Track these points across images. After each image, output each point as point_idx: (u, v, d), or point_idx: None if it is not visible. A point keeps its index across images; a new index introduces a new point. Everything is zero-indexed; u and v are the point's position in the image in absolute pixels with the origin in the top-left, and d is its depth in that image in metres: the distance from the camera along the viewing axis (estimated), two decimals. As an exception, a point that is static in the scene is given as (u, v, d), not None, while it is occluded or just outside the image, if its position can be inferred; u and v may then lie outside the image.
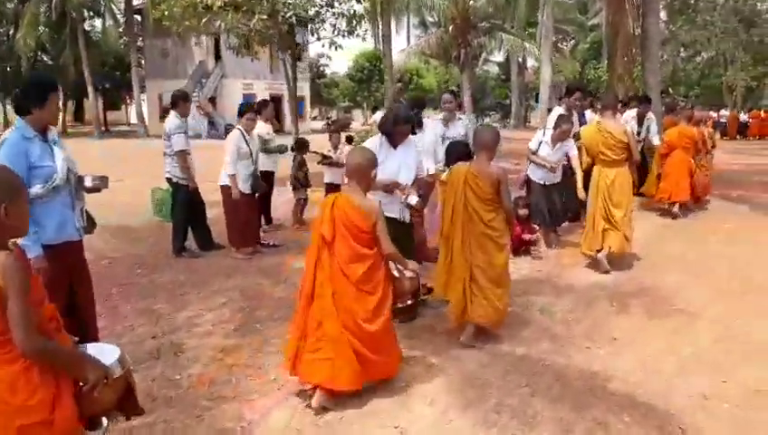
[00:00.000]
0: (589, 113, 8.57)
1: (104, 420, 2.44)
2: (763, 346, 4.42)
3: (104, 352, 2.46)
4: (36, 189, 3.33)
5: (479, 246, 4.45)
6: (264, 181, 7.96)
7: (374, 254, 3.53)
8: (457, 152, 5.54)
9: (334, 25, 13.46)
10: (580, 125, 7.90)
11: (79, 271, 3.74)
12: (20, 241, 2.35)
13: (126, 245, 7.77)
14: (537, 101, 35.53)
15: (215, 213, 7.35)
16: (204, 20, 12.45)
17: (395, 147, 4.71)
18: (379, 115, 7.16)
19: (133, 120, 41.42)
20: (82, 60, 33.75)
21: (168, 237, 7.19)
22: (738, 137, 30.73)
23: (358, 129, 21.00)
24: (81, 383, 2.26)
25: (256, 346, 4.38)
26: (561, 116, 7.37)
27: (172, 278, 6.23)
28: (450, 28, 29.18)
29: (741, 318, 5.01)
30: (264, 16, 12.05)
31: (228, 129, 8.94)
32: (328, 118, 50.92)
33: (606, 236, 6.38)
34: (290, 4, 12.25)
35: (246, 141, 6.85)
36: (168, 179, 6.95)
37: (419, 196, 4.82)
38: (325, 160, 8.68)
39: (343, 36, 13.43)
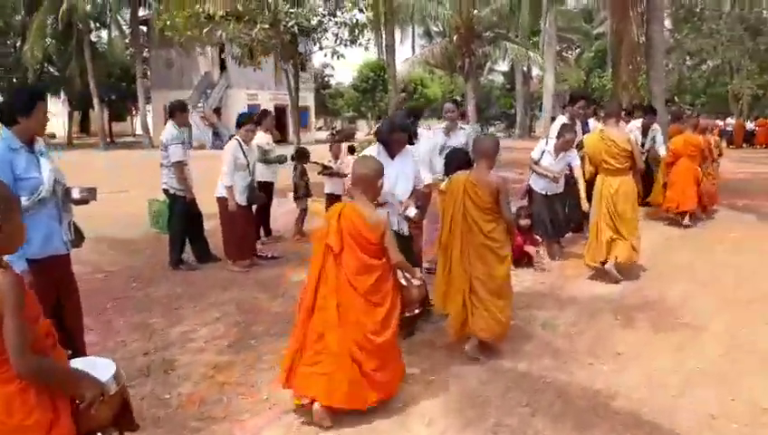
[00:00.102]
0: (592, 122, 8.47)
1: None
2: (771, 358, 4.29)
3: (99, 367, 2.45)
4: (22, 202, 3.23)
5: (479, 257, 4.34)
6: (264, 192, 7.88)
7: (382, 264, 3.46)
8: (458, 160, 5.43)
9: (336, 35, 13.43)
10: (584, 133, 7.79)
11: (66, 285, 3.65)
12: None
13: (123, 257, 7.69)
14: (542, 110, 35.42)
15: (212, 225, 7.26)
16: (206, 30, 12.45)
17: (392, 157, 4.61)
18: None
19: (139, 131, 41.55)
20: (88, 71, 33.92)
21: (166, 249, 7.10)
22: (745, 145, 30.53)
23: (362, 139, 20.95)
24: (77, 401, 2.24)
25: (250, 363, 4.26)
26: (564, 125, 7.25)
27: (168, 291, 6.13)
28: (454, 38, 29.15)
29: (747, 327, 4.91)
30: (266, 26, 12.03)
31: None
32: (333, 128, 50.99)
33: (613, 246, 6.26)
34: (292, 13, 12.21)
35: (244, 152, 6.76)
36: (165, 190, 6.87)
37: (417, 207, 4.71)
38: (326, 171, 8.59)
39: (345, 46, 13.39)
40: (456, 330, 4.45)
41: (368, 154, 4.51)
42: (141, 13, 35.07)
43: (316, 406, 3.39)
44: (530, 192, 7.37)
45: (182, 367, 4.19)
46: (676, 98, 33.78)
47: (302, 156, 8.72)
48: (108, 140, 39.11)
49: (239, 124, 7.05)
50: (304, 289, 3.55)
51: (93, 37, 38.24)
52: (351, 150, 9.89)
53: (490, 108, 49.28)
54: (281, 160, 8.22)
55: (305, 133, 39.17)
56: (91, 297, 5.92)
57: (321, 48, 14.28)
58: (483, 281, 4.34)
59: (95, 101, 35.37)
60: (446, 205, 4.54)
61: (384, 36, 17.27)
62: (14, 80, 37.05)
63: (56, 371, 2.20)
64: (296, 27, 12.36)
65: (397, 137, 4.57)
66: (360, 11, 13.33)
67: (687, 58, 32.60)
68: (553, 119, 8.56)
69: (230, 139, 7.13)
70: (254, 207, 7.39)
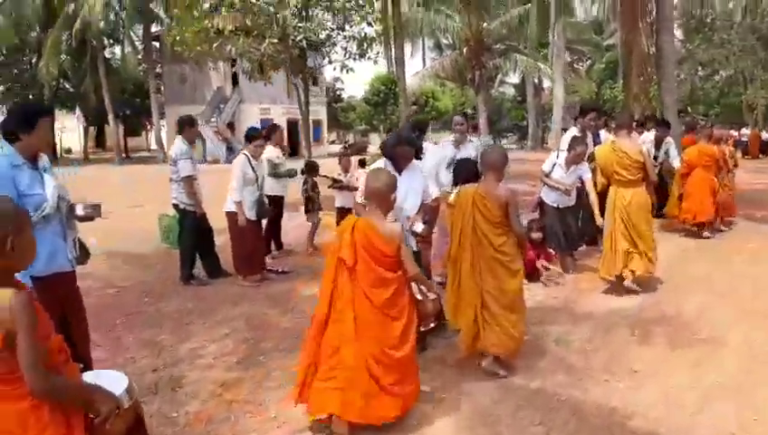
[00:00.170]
0: (603, 133, 8.38)
1: None
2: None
3: (112, 380, 2.47)
4: (27, 219, 3.22)
5: (489, 271, 4.28)
6: (274, 206, 7.87)
7: (398, 277, 3.41)
8: (467, 171, 5.38)
9: (345, 48, 13.47)
10: (595, 145, 7.70)
11: (71, 301, 3.63)
12: None
13: (136, 272, 7.69)
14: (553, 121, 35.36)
15: (222, 239, 7.24)
16: (215, 45, 12.53)
17: (399, 172, 4.56)
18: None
19: (153, 145, 41.93)
20: (102, 87, 34.32)
21: (177, 264, 7.08)
22: (761, 156, 30.18)
23: (374, 152, 20.98)
24: (91, 415, 2.25)
25: (258, 380, 4.21)
26: (574, 138, 7.18)
27: (179, 307, 6.11)
28: (464, 50, 29.19)
29: (767, 340, 4.78)
30: (275, 40, 12.08)
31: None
32: (345, 141, 51.17)
33: (630, 259, 6.16)
34: (300, 27, 12.26)
35: (252, 167, 6.75)
36: (175, 205, 6.86)
37: (425, 222, 4.66)
38: (336, 184, 8.57)
39: (354, 59, 13.43)
40: (468, 345, 4.37)
41: (379, 167, 4.46)
42: (154, 29, 35.50)
43: (335, 418, 3.35)
44: (541, 205, 7.28)
45: (190, 384, 4.14)
46: (689, 108, 33.54)
47: (311, 169, 8.70)
48: (123, 154, 39.45)
49: (248, 138, 7.05)
50: (319, 302, 3.49)
51: (107, 53, 38.79)
52: (362, 164, 9.88)
53: (501, 120, 49.24)
54: (291, 174, 8.21)
55: (318, 147, 39.32)
56: (102, 313, 5.95)
57: (330, 62, 14.33)
58: (494, 295, 4.27)
59: (110, 116, 35.74)
60: (455, 218, 4.48)
61: (393, 50, 17.36)
62: (30, 96, 37.55)
63: (69, 388, 2.23)
64: (305, 42, 12.40)
65: (402, 151, 4.50)
66: (369, 24, 13.37)
67: (699, 68, 32.34)
68: (565, 130, 8.49)
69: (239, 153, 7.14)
70: (263, 222, 7.38)
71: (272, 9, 12.59)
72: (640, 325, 5.23)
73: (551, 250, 6.99)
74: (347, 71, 13.81)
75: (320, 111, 42.55)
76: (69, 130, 48.28)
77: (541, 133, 42.37)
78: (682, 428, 3.51)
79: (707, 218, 9.04)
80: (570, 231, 7.16)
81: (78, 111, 38.66)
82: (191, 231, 6.82)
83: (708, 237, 8.93)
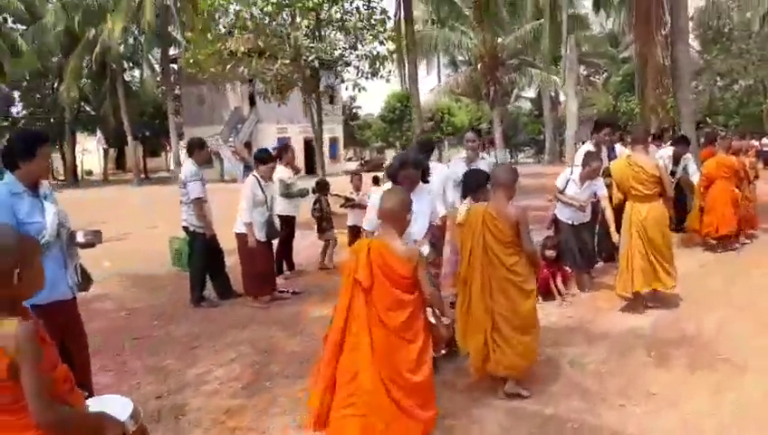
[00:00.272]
0: (618, 147, 8.23)
1: None
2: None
3: (117, 406, 2.48)
4: (27, 247, 3.19)
5: (501, 292, 4.18)
6: (286, 226, 7.84)
7: (414, 299, 3.31)
8: (477, 181, 5.29)
9: (357, 67, 13.50)
10: (610, 160, 7.55)
11: (72, 329, 3.57)
12: None
13: (148, 294, 7.68)
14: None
15: (233, 260, 7.20)
16: (228, 66, 12.65)
17: None
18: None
19: (172, 166, 42.38)
20: (122, 109, 34.88)
21: (189, 286, 7.05)
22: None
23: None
24: None
25: (262, 407, 4.12)
26: (588, 153, 7.06)
27: (188, 330, 6.06)
28: (479, 66, 29.22)
29: None
30: (287, 61, 12.15)
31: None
32: (362, 158, 51.38)
33: (647, 274, 5.99)
34: (312, 47, 12.32)
35: (262, 188, 6.72)
36: (185, 228, 6.85)
37: (432, 244, 4.55)
38: (348, 203, 8.52)
39: (367, 78, 13.44)
40: (478, 369, 4.26)
41: (377, 195, 4.38)
42: (172, 52, 35.99)
43: None
44: (556, 222, 7.14)
45: (193, 412, 4.07)
46: (708, 119, 33.13)
47: (322, 188, 8.67)
48: (142, 175, 39.97)
49: (258, 160, 7.01)
50: (334, 324, 3.38)
51: (127, 76, 39.48)
52: (376, 181, 9.82)
53: (518, 134, 49.06)
54: (303, 194, 8.18)
55: (335, 164, 39.47)
56: (111, 336, 5.94)
57: (342, 81, 14.37)
58: (506, 317, 4.17)
59: (129, 138, 36.24)
60: (465, 238, 4.38)
61: (407, 67, 17.38)
62: (52, 120, 38.30)
63: (75, 417, 2.21)
64: (317, 61, 12.45)
65: (407, 174, 4.34)
66: (381, 43, 13.40)
67: (718, 79, 32.00)
68: (583, 142, 8.33)
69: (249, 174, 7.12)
70: (275, 242, 7.34)
71: (284, 30, 12.69)
72: (658, 346, 5.06)
73: (567, 268, 6.84)
74: (359, 89, 13.84)
75: (336, 129, 42.73)
76: (89, 152, 49.12)
77: (558, 147, 42.08)
78: (702, 456, 3.36)
79: (730, 230, 8.82)
80: (585, 248, 7.01)
81: (98, 133, 39.26)
82: (201, 253, 6.79)
83: (734, 249, 8.73)
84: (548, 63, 32.80)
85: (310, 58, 12.27)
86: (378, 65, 13.37)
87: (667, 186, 6.20)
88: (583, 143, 8.44)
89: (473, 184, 5.32)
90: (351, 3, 13.28)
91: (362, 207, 8.00)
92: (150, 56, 37.39)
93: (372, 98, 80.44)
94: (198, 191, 6.59)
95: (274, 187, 7.33)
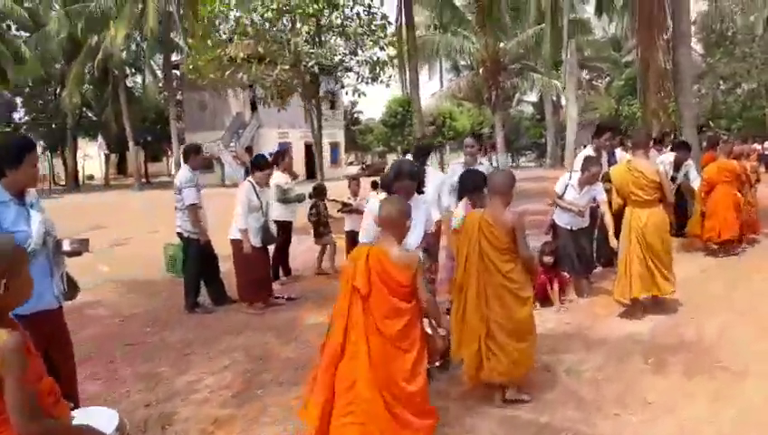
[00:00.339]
0: (619, 151, 8.16)
1: None
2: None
3: (103, 419, 2.44)
4: (12, 256, 3.14)
5: (497, 299, 4.12)
6: (282, 231, 7.80)
7: (412, 308, 3.29)
8: (474, 182, 5.23)
9: (357, 73, 13.47)
10: (610, 165, 7.49)
11: (57, 339, 3.50)
12: None
13: (143, 300, 7.64)
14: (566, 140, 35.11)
15: (227, 266, 7.15)
16: (228, 72, 12.63)
17: None
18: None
19: (173, 171, 42.45)
20: (124, 114, 34.97)
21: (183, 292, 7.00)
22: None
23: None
24: None
25: (253, 416, 4.06)
26: (588, 158, 6.99)
27: (181, 337, 6.01)
28: (481, 71, 29.21)
29: None
30: (287, 66, 12.12)
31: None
32: (363, 162, 51.35)
33: (645, 280, 5.93)
34: (312, 53, 12.29)
35: (257, 194, 6.67)
36: (179, 234, 6.81)
37: (425, 250, 4.49)
38: (345, 208, 8.47)
39: (367, 83, 13.41)
40: (471, 377, 4.20)
41: (372, 205, 4.34)
42: (174, 58, 36.07)
43: None
44: (554, 227, 7.07)
45: (181, 422, 4.01)
46: (711, 123, 33.00)
47: (319, 193, 8.62)
48: (143, 180, 40.02)
49: (255, 166, 6.96)
50: (332, 332, 3.36)
51: (129, 82, 39.59)
52: (375, 186, 9.77)
53: (520, 138, 49.06)
54: (300, 199, 8.14)
55: (336, 169, 39.47)
56: (104, 343, 5.89)
57: (342, 87, 14.35)
58: (501, 324, 4.11)
59: (130, 143, 36.31)
60: (461, 244, 4.33)
61: (408, 72, 17.35)
62: (54, 126, 38.41)
63: (59, 432, 2.20)
64: (316, 67, 12.41)
65: (402, 185, 4.23)
66: (381, 49, 13.36)
67: (721, 82, 31.85)
68: (585, 146, 8.28)
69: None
70: (271, 248, 7.29)
71: (284, 36, 12.67)
72: (656, 352, 4.98)
73: (565, 274, 6.77)
74: (359, 95, 13.80)
75: (337, 134, 42.79)
76: (91, 157, 49.26)
77: (560, 151, 42.03)
78: (699, 467, 3.28)
79: (732, 235, 8.73)
80: (584, 253, 6.94)
81: (100, 138, 39.36)
82: (195, 259, 6.75)
83: (734, 254, 8.66)
84: (549, 68, 32.79)
85: (310, 64, 12.24)
86: (378, 70, 13.32)
87: (668, 191, 6.13)
88: (584, 147, 8.38)
89: (469, 185, 5.27)
90: (352, 9, 13.28)
91: (360, 212, 7.95)
92: (153, 62, 37.52)
93: (374, 102, 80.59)
94: (193, 197, 6.55)
95: (270, 192, 7.29)
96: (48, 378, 2.25)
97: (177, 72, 36.29)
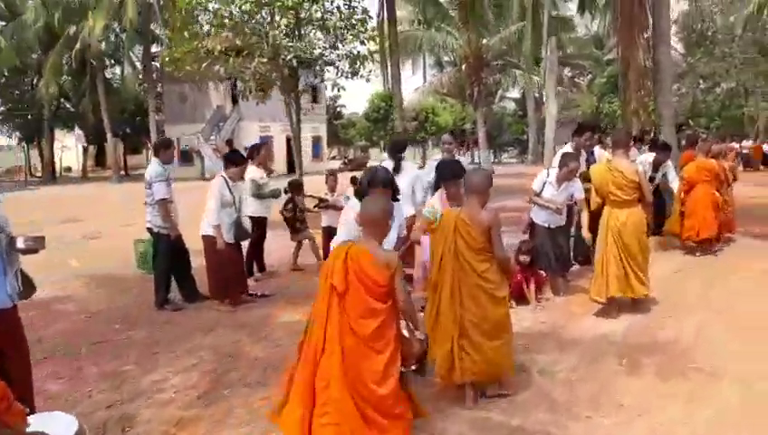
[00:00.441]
0: (597, 150, 8.12)
1: None
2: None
3: (61, 424, 2.38)
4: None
5: (472, 299, 4.05)
6: (257, 227, 7.66)
7: (387, 308, 3.25)
8: (452, 172, 5.15)
9: (337, 67, 13.33)
10: (589, 164, 7.45)
11: (11, 339, 3.36)
12: None
13: (112, 296, 7.46)
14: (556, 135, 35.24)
15: (199, 262, 6.99)
16: (204, 64, 12.42)
17: None
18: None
19: (152, 163, 41.97)
20: (102, 106, 34.43)
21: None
22: (762, 167, 29.88)
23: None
24: None
25: (218, 418, 3.93)
26: (566, 154, 6.93)
27: (150, 334, 5.86)
28: (464, 67, 29.19)
29: (764, 361, 4.57)
30: (265, 60, 11.95)
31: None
32: (345, 157, 51.18)
33: (620, 280, 5.89)
34: (291, 46, 12.11)
35: (230, 189, 6.51)
36: (149, 229, 6.65)
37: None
38: (322, 204, 8.35)
39: (346, 78, 13.27)
40: (443, 377, 4.13)
41: (347, 213, 4.30)
42: (154, 49, 35.59)
43: None
44: (532, 225, 7.01)
45: (142, 423, 3.87)
46: (690, 121, 33.32)
47: (295, 188, 8.48)
48: (122, 172, 39.48)
49: (229, 161, 6.78)
50: (312, 331, 3.30)
51: (108, 73, 38.95)
52: (354, 181, 9.65)
53: (502, 134, 49.17)
54: (275, 195, 7.98)
55: (318, 163, 39.25)
56: (71, 341, 5.73)
57: (322, 81, 14.20)
58: (476, 323, 4.05)
59: (108, 135, 35.77)
60: (436, 243, 4.26)
61: (390, 67, 17.25)
62: (30, 116, 37.74)
63: None
64: (294, 60, 12.24)
65: (374, 193, 4.13)
66: (362, 43, 13.24)
67: (701, 82, 32.18)
68: (566, 143, 8.22)
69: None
70: (245, 243, 7.15)
71: (263, 29, 12.48)
72: (630, 352, 4.93)
73: (541, 272, 6.72)
74: (338, 89, 13.67)
75: (320, 128, 42.55)
76: (68, 148, 48.52)
77: (541, 148, 42.26)
78: (670, 471, 3.23)
79: (711, 234, 8.75)
80: (561, 252, 6.88)
81: (77, 129, 38.75)
82: (165, 255, 6.59)
83: (712, 253, 8.69)
84: (531, 65, 32.87)
85: (288, 57, 12.06)
86: (358, 65, 13.19)
87: (647, 192, 6.10)
88: (565, 145, 8.33)
89: (447, 174, 5.19)
90: (332, 2, 13.14)
91: (337, 208, 7.83)
92: (132, 54, 36.93)
93: (357, 97, 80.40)
94: (163, 192, 6.39)
95: (244, 187, 7.14)
96: (0, 383, 2.16)
97: (157, 64, 35.84)
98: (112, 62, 39.64)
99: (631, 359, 4.79)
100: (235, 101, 35.04)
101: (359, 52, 13.22)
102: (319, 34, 13.16)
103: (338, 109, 50.50)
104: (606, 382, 4.40)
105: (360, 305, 3.20)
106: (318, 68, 13.48)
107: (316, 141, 42.52)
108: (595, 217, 6.61)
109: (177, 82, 33.24)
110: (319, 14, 12.97)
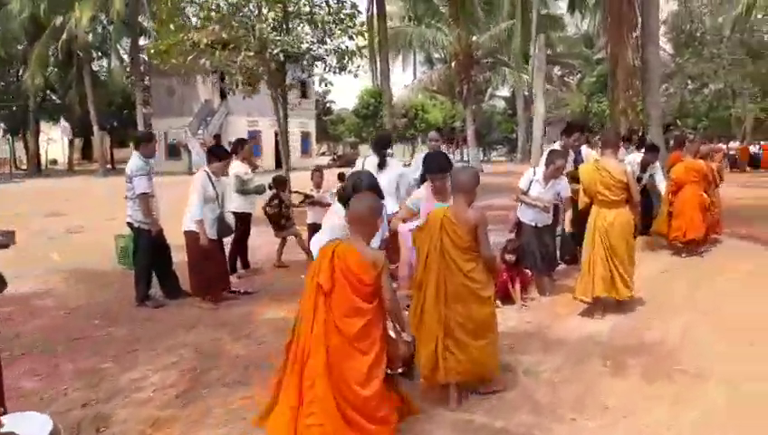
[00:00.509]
0: (584, 149, 8.08)
1: None
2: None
3: (35, 425, 2.34)
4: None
5: (457, 298, 3.99)
6: (241, 223, 7.56)
7: (373, 308, 3.23)
8: (439, 165, 5.07)
9: (325, 62, 13.21)
10: (576, 163, 7.42)
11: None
12: None
13: (93, 291, 7.34)
14: (544, 134, 35.32)
15: (181, 258, 6.88)
16: (190, 57, 12.25)
17: None
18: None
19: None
20: (88, 98, 34.06)
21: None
22: (749, 169, 30.14)
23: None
24: None
25: (195, 418, 3.84)
26: (553, 151, 6.88)
27: (129, 331, 5.74)
28: (453, 64, 29.14)
29: (753, 365, 4.54)
30: (251, 53, 11.81)
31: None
32: (334, 153, 51.04)
33: (606, 281, 5.86)
34: (278, 40, 11.98)
35: (213, 184, 6.40)
36: (130, 224, 6.52)
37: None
38: (307, 200, 8.26)
39: (334, 73, 13.17)
40: (427, 377, 4.06)
41: (330, 220, 4.26)
42: (142, 42, 35.26)
43: None
44: (518, 224, 6.96)
45: (118, 423, 3.77)
46: (678, 122, 33.49)
47: (280, 184, 8.37)
48: (108, 166, 39.12)
49: (213, 156, 6.66)
50: (300, 330, 3.26)
51: (95, 66, 38.56)
52: (341, 178, 9.57)
53: (491, 132, 49.26)
54: (259, 191, 7.88)
55: (307, 159, 39.10)
56: (49, 337, 5.61)
57: (310, 76, 14.07)
58: (461, 323, 3.99)
59: (95, 128, 35.41)
60: (422, 241, 4.19)
61: (379, 63, 17.14)
62: (15, 108, 37.28)
63: None
64: (282, 55, 12.10)
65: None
66: (350, 38, 13.12)
67: (689, 82, 32.38)
68: (554, 142, 8.17)
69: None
70: (228, 240, 7.05)
71: (250, 22, 12.33)
72: (615, 354, 4.88)
73: (527, 271, 6.67)
74: (326, 84, 13.56)
75: (309, 124, 42.42)
76: (54, 141, 47.96)
77: (530, 146, 42.45)
78: (654, 475, 3.18)
79: (698, 235, 8.75)
80: (547, 251, 6.84)
81: (62, 122, 38.32)
82: (146, 250, 6.48)
83: (698, 254, 8.69)
84: (520, 63, 32.89)
85: (275, 51, 11.93)
86: (346, 60, 13.08)
87: (635, 192, 6.07)
88: (554, 143, 8.29)
89: (434, 168, 5.11)
90: (321, -4, 12.99)
91: (322, 204, 7.75)
92: (119, 46, 36.59)
93: (346, 92, 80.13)
94: (144, 186, 6.27)
95: (227, 182, 7.04)
96: None
97: (145, 57, 35.49)
98: (99, 54, 39.31)
99: (616, 360, 4.75)
100: (223, 95, 34.85)
101: (347, 47, 13.12)
102: (307, 29, 13.02)
103: (327, 104, 50.37)
104: (591, 384, 4.35)
105: (345, 304, 3.17)
106: (306, 63, 13.33)
107: (305, 137, 42.39)
108: (580, 214, 6.57)
109: (164, 76, 32.99)
110: (307, 8, 12.83)
